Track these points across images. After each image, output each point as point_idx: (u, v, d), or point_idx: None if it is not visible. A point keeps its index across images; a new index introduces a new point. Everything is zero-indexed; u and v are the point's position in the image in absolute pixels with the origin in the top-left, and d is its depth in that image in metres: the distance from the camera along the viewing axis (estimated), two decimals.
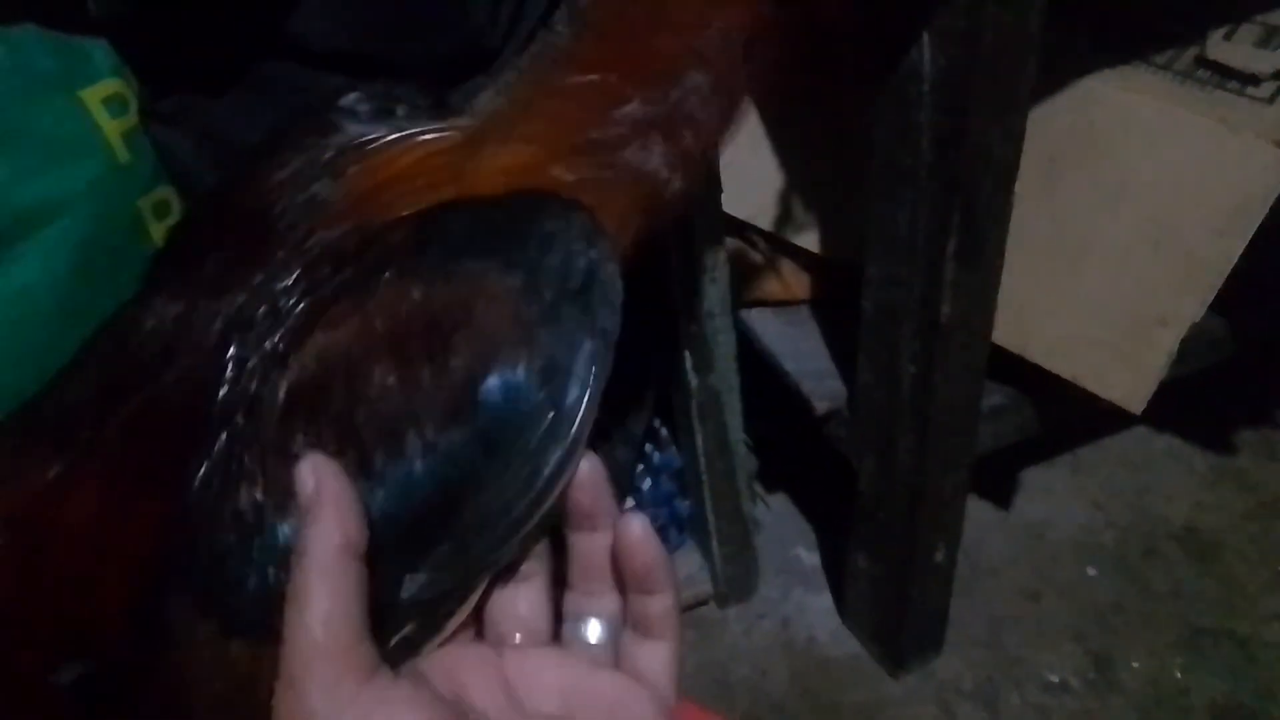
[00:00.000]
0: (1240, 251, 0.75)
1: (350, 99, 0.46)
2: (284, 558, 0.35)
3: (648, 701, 0.35)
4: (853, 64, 0.80)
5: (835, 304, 0.99)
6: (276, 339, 0.38)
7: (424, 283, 0.37)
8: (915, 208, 0.71)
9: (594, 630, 0.38)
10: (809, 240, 0.96)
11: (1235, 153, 0.73)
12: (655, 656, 0.37)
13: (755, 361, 0.96)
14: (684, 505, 1.04)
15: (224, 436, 0.38)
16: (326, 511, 0.33)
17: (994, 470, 1.12)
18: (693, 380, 0.87)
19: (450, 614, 0.36)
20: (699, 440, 0.92)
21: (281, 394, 0.37)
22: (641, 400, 0.92)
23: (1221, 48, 0.80)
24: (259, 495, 0.37)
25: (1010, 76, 0.64)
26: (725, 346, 0.86)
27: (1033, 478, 1.19)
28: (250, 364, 0.38)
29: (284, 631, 0.32)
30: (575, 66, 0.46)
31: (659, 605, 0.37)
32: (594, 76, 0.45)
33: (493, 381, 0.36)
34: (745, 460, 0.97)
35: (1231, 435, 1.19)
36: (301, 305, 0.39)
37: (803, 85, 0.91)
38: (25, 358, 0.64)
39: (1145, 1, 0.84)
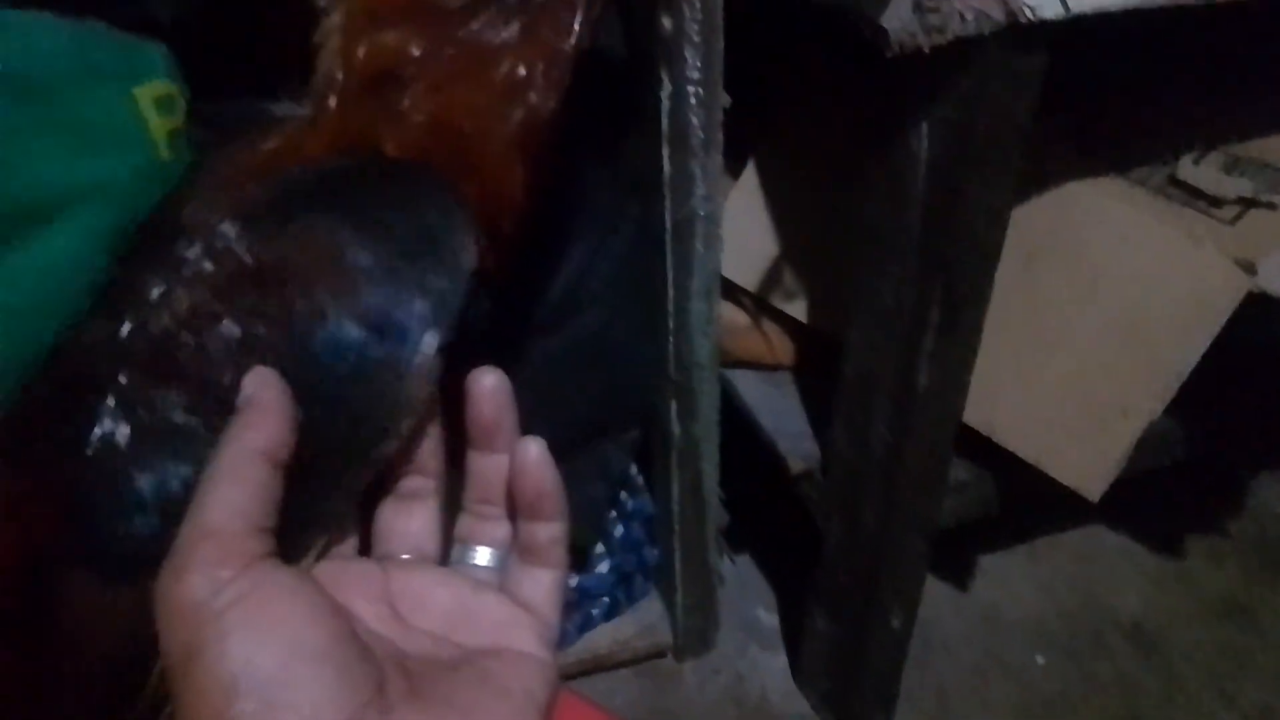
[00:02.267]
0: (1199, 356, 0.80)
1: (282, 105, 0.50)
2: (151, 504, 0.38)
3: (529, 627, 0.36)
4: (847, 143, 0.86)
5: (813, 371, 1.03)
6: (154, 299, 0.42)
7: (264, 238, 0.40)
8: (901, 280, 0.75)
9: (483, 555, 0.39)
10: (795, 309, 1.00)
11: (1199, 265, 0.79)
12: (540, 584, 0.37)
13: (731, 420, 1.00)
14: (652, 554, 1.06)
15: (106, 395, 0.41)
16: (256, 415, 0.34)
17: (951, 551, 1.15)
18: (675, 427, 0.90)
19: (309, 544, 0.37)
20: (675, 488, 0.95)
21: (145, 349, 0.41)
22: (624, 439, 0.94)
23: (1191, 171, 0.86)
24: (123, 441, 0.40)
25: (999, 166, 0.69)
26: (709, 398, 0.89)
27: (988, 562, 1.22)
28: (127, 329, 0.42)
29: (186, 514, 0.32)
30: None
31: (547, 533, 0.37)
32: None
33: (321, 334, 0.38)
34: (716, 513, 1.00)
35: (1181, 538, 1.23)
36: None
37: (798, 157, 0.97)
38: (44, 330, 0.66)
39: (1124, 121, 0.91)
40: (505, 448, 0.38)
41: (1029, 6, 0.61)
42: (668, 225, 0.78)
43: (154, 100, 0.67)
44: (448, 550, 0.40)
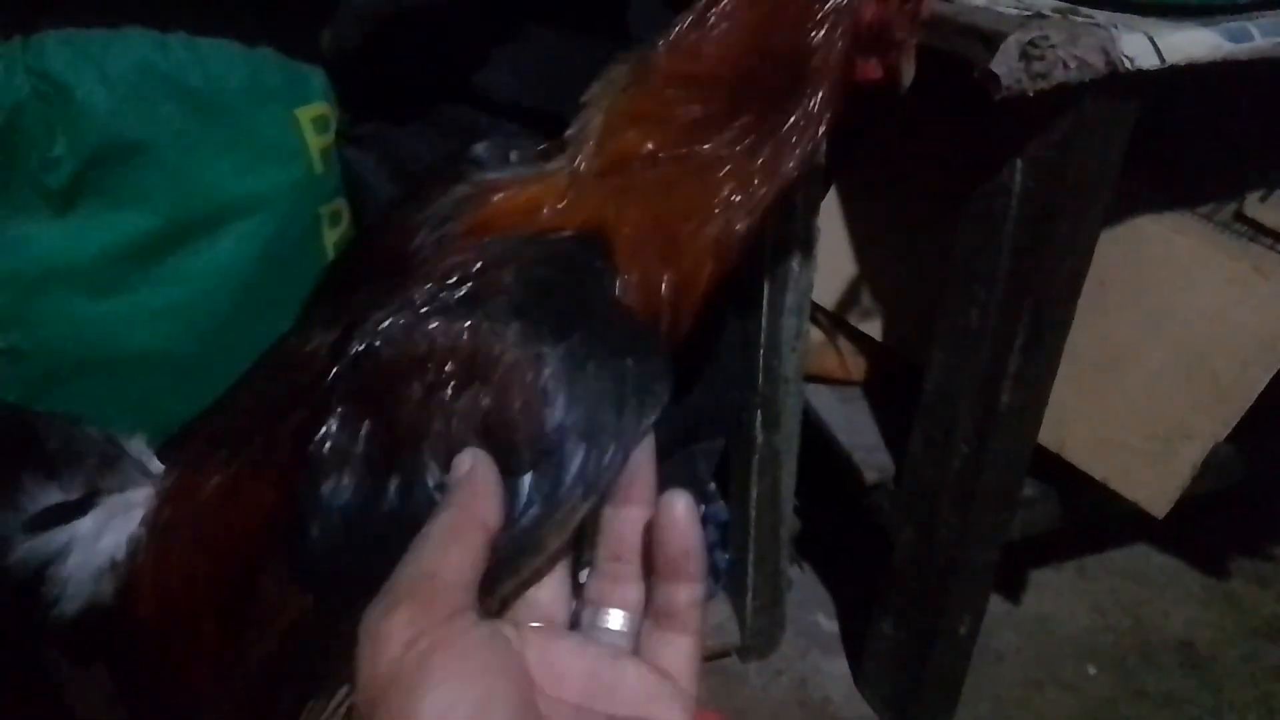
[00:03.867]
0: (1263, 385, 0.84)
1: (478, 149, 0.55)
2: (325, 513, 0.42)
3: (673, 698, 0.34)
4: (938, 174, 0.91)
5: (883, 388, 1.08)
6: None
7: (481, 329, 0.42)
8: (987, 305, 0.80)
9: (615, 619, 0.37)
10: (871, 327, 1.05)
11: (1264, 297, 0.84)
12: (680, 652, 0.35)
13: (804, 433, 1.05)
14: (723, 557, 1.11)
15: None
16: (480, 488, 0.36)
17: (1006, 566, 1.19)
18: (759, 436, 0.95)
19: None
20: (753, 494, 1.00)
21: (369, 371, 0.43)
22: (710, 448, 1.00)
23: (1258, 208, 0.91)
24: (328, 450, 0.43)
25: (1089, 203, 0.74)
26: (793, 410, 0.94)
27: (1041, 578, 1.26)
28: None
29: (403, 562, 0.33)
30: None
31: (686, 596, 0.35)
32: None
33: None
34: (790, 520, 1.05)
35: (1227, 560, 1.27)
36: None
37: (884, 182, 1.02)
38: (210, 327, 0.73)
39: (1195, 161, 0.96)
40: (642, 499, 0.37)
41: (1128, 57, 0.66)
42: (767, 245, 0.83)
43: (312, 120, 0.74)
44: (576, 616, 0.39)
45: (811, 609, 1.20)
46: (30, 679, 0.52)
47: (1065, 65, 0.67)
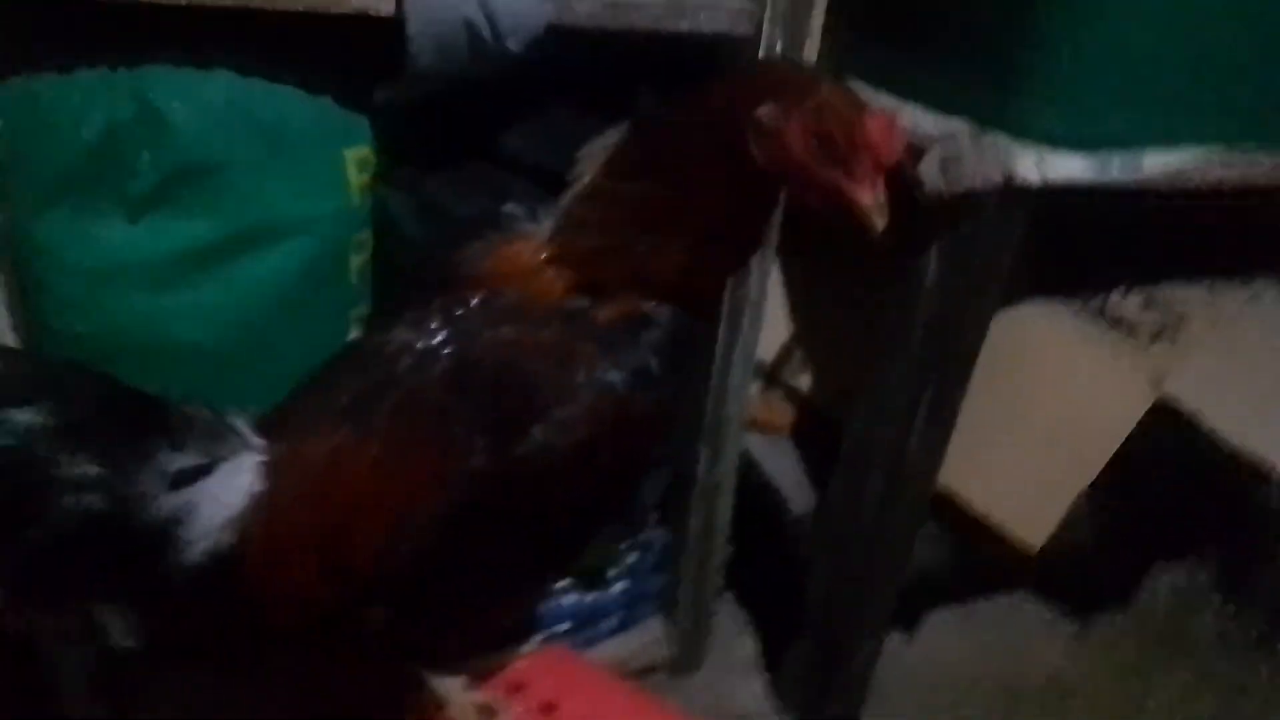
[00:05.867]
0: (1118, 443, 1.03)
1: (509, 207, 0.69)
2: None
3: None
4: (859, 256, 1.09)
5: (809, 437, 1.24)
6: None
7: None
8: (904, 368, 0.97)
9: None
10: (801, 383, 1.22)
11: (1120, 373, 1.04)
12: None
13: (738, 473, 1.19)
14: (657, 581, 1.24)
15: None
16: None
17: (903, 611, 1.35)
18: (703, 469, 1.09)
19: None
20: (693, 521, 1.13)
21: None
22: (653, 482, 1.13)
23: (1118, 304, 1.12)
24: None
25: (987, 286, 0.92)
26: (733, 447, 1.09)
27: (931, 618, 1.42)
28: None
29: None
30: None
31: None
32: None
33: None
34: (723, 548, 1.18)
35: (1091, 612, 1.46)
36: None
37: (812, 257, 1.20)
38: (251, 328, 0.84)
39: (1071, 264, 1.16)
40: None
41: (1019, 174, 0.85)
42: (726, 305, 0.98)
43: (357, 160, 0.87)
44: None
45: (733, 633, 1.33)
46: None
47: (973, 176, 0.85)
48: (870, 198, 0.56)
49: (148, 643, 0.77)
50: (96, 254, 0.77)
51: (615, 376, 0.58)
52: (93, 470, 0.55)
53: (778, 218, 0.95)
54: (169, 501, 0.56)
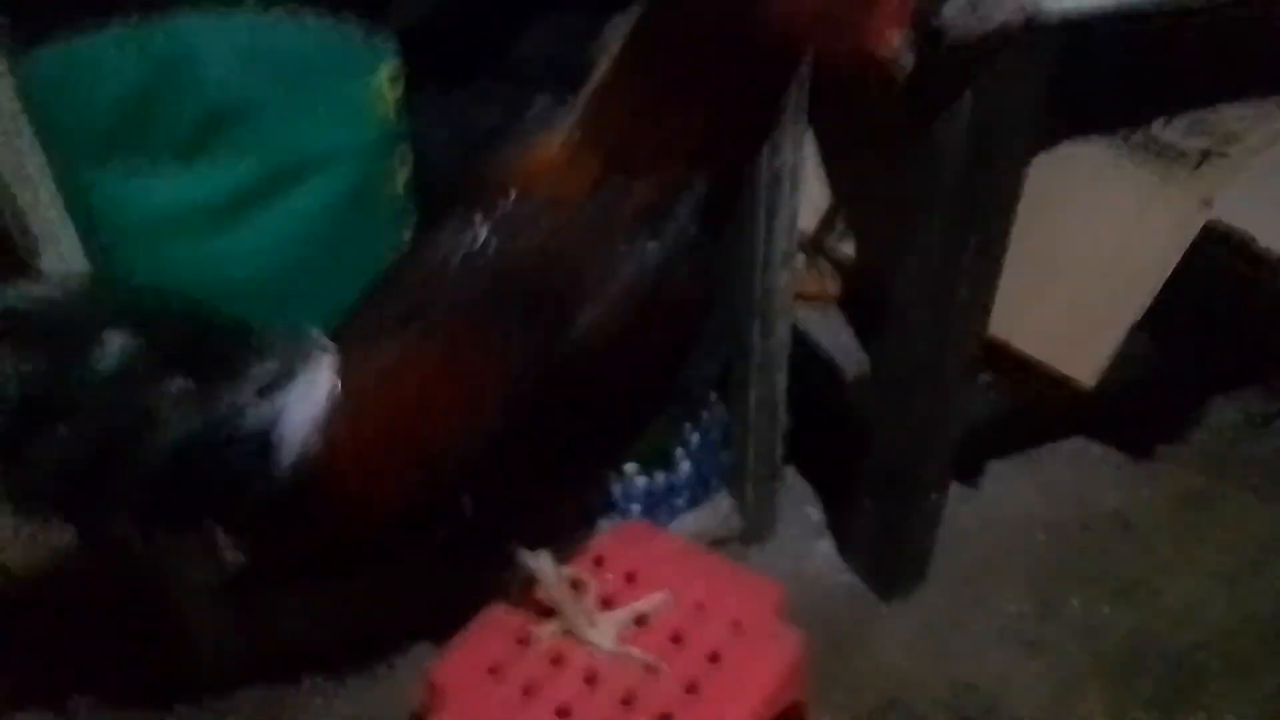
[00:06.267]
0: (1169, 271, 1.03)
1: (533, 111, 0.70)
2: None
3: None
4: (901, 113, 1.08)
5: (858, 303, 1.26)
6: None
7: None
8: (944, 217, 0.97)
9: None
10: (844, 250, 1.22)
11: (1167, 198, 1.03)
12: None
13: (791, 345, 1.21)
14: (725, 456, 1.28)
15: None
16: None
17: (965, 458, 1.38)
18: (756, 343, 1.12)
19: None
20: (752, 395, 1.17)
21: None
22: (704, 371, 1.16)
23: (1162, 130, 1.10)
24: None
25: (1023, 122, 0.91)
26: (785, 319, 1.11)
27: (994, 468, 1.45)
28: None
29: None
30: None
31: None
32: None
33: None
34: (784, 419, 1.22)
35: (1150, 444, 1.47)
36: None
37: (853, 122, 1.18)
38: (297, 264, 0.87)
39: (1111, 95, 1.14)
40: None
41: (1042, 8, 0.83)
42: (763, 175, 0.99)
43: (386, 83, 0.88)
44: None
45: (800, 501, 1.38)
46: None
47: (998, 14, 0.83)
48: (890, 46, 0.56)
49: (258, 559, 0.84)
50: (151, 206, 0.80)
51: (654, 246, 0.60)
52: (189, 385, 0.59)
53: (805, 84, 0.94)
54: (260, 410, 0.61)
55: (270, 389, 0.61)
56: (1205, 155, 1.05)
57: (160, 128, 0.79)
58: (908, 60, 0.58)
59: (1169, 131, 1.09)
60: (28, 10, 0.69)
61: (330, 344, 0.65)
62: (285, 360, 0.63)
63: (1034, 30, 0.85)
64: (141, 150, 0.79)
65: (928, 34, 0.85)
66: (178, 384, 0.58)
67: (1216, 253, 1.08)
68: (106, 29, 0.79)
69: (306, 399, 0.62)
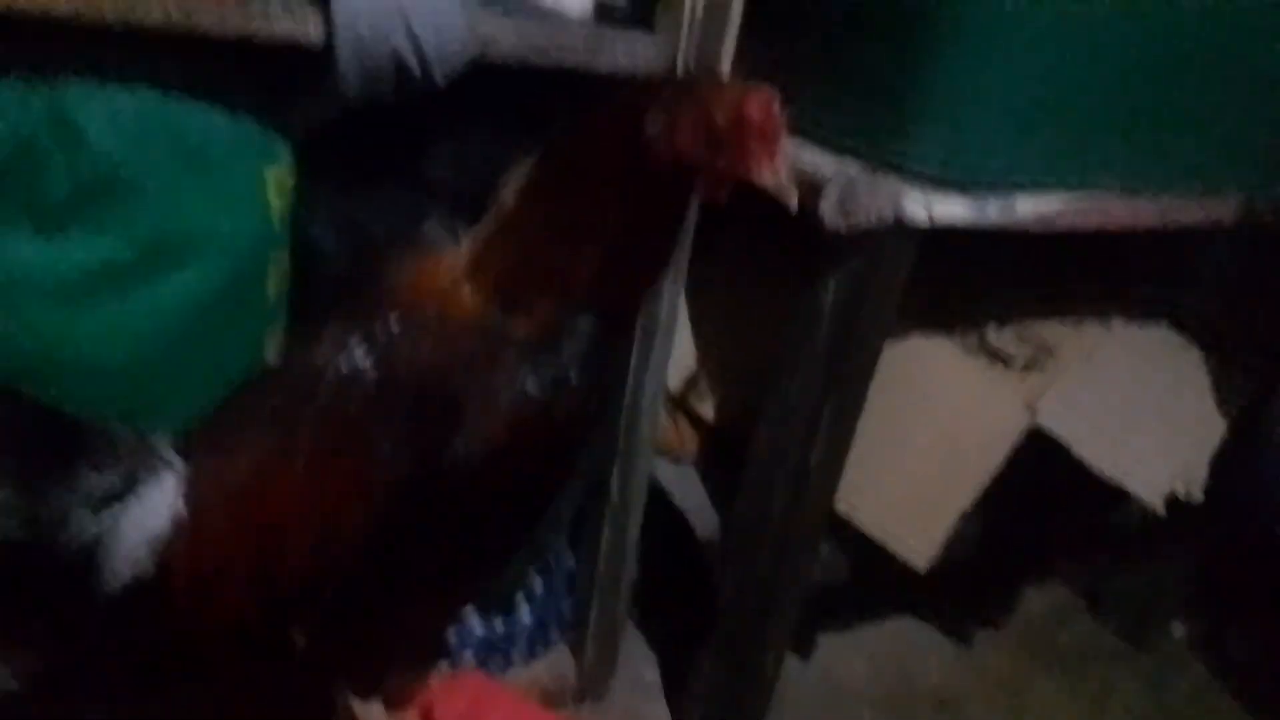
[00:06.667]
0: (997, 466, 1.11)
1: (429, 226, 0.71)
2: None
3: None
4: (761, 286, 1.14)
5: (713, 461, 1.29)
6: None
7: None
8: (805, 387, 1.02)
9: None
10: (705, 409, 1.26)
11: (998, 398, 1.12)
12: None
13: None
14: (567, 606, 1.25)
15: None
16: None
17: (800, 630, 1.40)
18: (615, 486, 1.12)
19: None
20: (604, 540, 1.15)
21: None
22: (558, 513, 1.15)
23: (995, 336, 1.21)
24: None
25: (880, 314, 0.99)
26: (643, 470, 1.12)
27: (826, 639, 1.48)
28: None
29: None
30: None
31: None
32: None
33: None
34: (632, 569, 1.21)
35: (971, 626, 1.55)
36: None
37: (721, 287, 1.25)
38: (164, 347, 0.82)
39: (950, 300, 1.25)
40: None
41: (909, 214, 0.92)
42: (641, 320, 1.02)
43: (276, 180, 0.87)
44: None
45: (638, 660, 1.35)
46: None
47: (868, 214, 0.92)
48: (770, 174, 0.58)
49: (34, 685, 0.74)
50: (7, 264, 0.75)
51: (534, 386, 0.60)
52: (8, 494, 0.53)
53: (686, 242, 0.99)
54: (90, 525, 0.55)
55: (105, 502, 0.56)
56: (1031, 363, 1.16)
57: (32, 190, 0.74)
58: (791, 192, 0.59)
59: (1001, 337, 1.21)
60: None
61: (178, 459, 0.60)
62: (126, 473, 0.57)
63: (899, 232, 0.93)
64: (4, 210, 0.74)
65: (804, 223, 0.92)
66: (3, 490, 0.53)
67: (1041, 449, 1.19)
68: None
69: (144, 516, 0.57)
